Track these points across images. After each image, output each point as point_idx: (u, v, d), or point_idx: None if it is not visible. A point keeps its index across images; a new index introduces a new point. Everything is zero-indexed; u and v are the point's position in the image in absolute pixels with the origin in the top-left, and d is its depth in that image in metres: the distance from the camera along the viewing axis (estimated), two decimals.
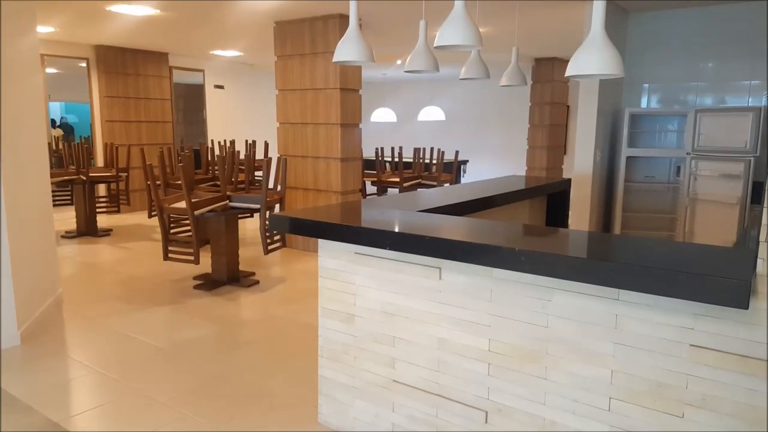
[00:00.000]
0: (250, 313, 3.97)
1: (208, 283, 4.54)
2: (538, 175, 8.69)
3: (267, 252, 4.37)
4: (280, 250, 5.28)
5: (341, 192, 5.43)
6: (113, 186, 6.59)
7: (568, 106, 9.24)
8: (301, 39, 5.39)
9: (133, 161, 7.54)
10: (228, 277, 4.57)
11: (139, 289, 4.45)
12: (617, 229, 4.77)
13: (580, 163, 4.80)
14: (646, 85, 5.07)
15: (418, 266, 2.01)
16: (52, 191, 6.61)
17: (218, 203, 4.23)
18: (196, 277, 4.72)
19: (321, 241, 2.27)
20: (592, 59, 1.68)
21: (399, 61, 8.20)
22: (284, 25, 5.50)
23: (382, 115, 9.68)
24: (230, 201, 4.33)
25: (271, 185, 4.54)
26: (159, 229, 6.47)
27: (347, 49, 2.38)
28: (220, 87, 9.29)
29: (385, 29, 5.85)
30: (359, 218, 2.28)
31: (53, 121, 7.63)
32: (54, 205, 6.62)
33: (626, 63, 5.08)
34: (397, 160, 6.35)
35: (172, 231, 4.90)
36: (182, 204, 4.18)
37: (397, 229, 1.96)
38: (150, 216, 5.85)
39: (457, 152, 6.30)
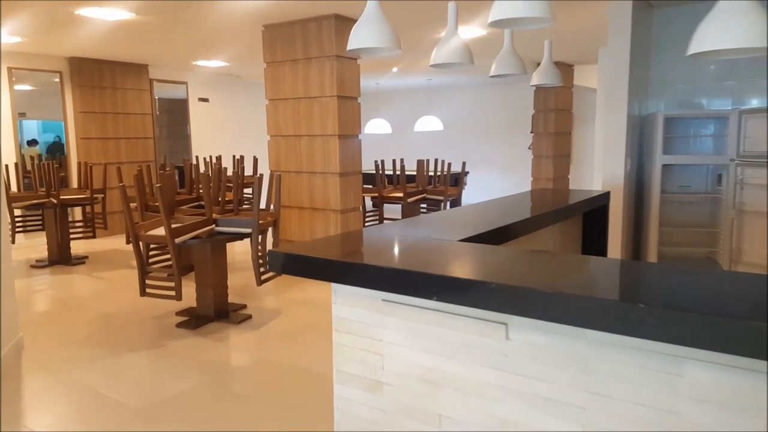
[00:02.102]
0: (242, 357, 3.40)
1: (193, 320, 3.96)
2: (544, 186, 8.23)
3: (260, 283, 3.81)
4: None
5: (341, 210, 4.89)
6: (88, 209, 6.00)
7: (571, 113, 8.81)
8: (293, 43, 4.88)
9: (110, 181, 6.96)
10: (215, 311, 4.01)
11: (113, 329, 3.86)
12: (653, 246, 4.28)
13: (609, 174, 4.32)
14: (677, 86, 4.61)
15: (474, 320, 1.48)
16: (22, 216, 6.02)
17: (203, 228, 3.68)
18: (179, 313, 4.14)
19: (335, 284, 1.74)
20: (733, 28, 1.18)
21: (395, 69, 7.72)
22: (274, 28, 4.99)
23: (376, 127, 9.19)
24: (217, 225, 3.78)
25: (262, 205, 4.00)
26: None
27: (367, 34, 1.87)
28: (205, 100, 8.75)
29: None
30: (386, 253, 1.75)
31: (34, 141, 7.04)
32: (24, 231, 6.03)
33: (651, 62, 4.63)
34: (399, 173, 5.84)
35: (152, 258, 4.34)
36: (161, 231, 3.62)
37: (446, 272, 1.43)
38: (128, 242, 5.28)
39: (464, 164, 5.81)
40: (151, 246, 4.24)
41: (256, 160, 7.54)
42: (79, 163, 6.21)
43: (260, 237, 3.80)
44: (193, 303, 4.13)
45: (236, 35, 5.58)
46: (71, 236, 5.89)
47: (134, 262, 5.86)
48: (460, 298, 1.39)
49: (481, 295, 1.35)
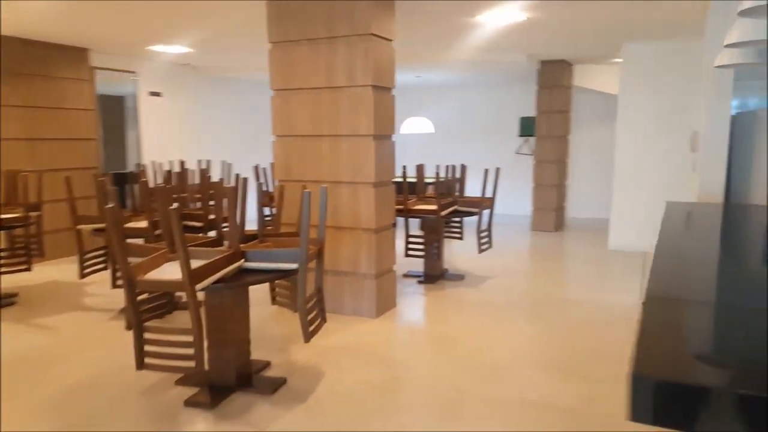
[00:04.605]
0: None
1: (206, 393, 2.82)
2: (547, 193, 7.57)
3: (309, 338, 2.74)
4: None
5: (374, 229, 3.88)
6: (18, 231, 4.57)
7: None
8: (312, 17, 3.82)
9: (46, 193, 5.50)
10: (237, 378, 2.88)
11: (91, 416, 2.63)
12: None
13: (708, 183, 3.62)
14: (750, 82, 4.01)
15: None
16: None
17: (230, 266, 2.56)
18: (180, 381, 2.96)
19: None
20: None
21: None
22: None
23: None
24: (246, 260, 2.67)
25: (244, 223, 2.93)
26: (91, 289, 4.60)
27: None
28: (157, 94, 7.37)
29: (416, 17, 4.41)
30: None
31: None
32: None
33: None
34: (428, 181, 4.90)
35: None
36: (167, 271, 2.47)
37: None
38: (82, 276, 3.99)
39: (498, 170, 4.94)
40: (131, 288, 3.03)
41: (228, 167, 6.34)
42: (4, 172, 4.76)
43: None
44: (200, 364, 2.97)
45: (216, 6, 4.40)
46: None
47: (87, 300, 4.53)
48: None
49: None
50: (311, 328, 2.80)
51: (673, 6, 4.24)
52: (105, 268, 4.19)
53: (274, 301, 3.37)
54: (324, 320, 3.01)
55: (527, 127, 8.85)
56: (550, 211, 7.58)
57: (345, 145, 3.86)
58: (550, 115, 7.41)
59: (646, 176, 6.13)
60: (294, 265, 2.65)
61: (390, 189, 4.05)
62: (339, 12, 3.72)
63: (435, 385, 2.95)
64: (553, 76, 7.30)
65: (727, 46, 1.66)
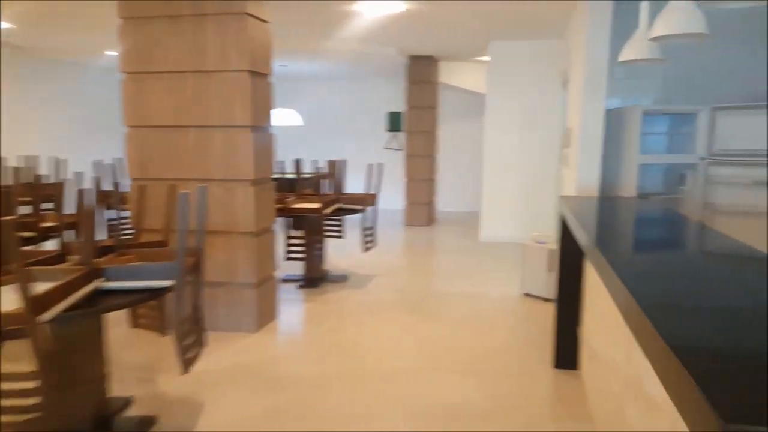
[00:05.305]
0: None
1: None
2: (419, 188, 7.64)
3: (188, 367, 2.31)
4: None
5: (254, 232, 3.48)
6: None
7: None
8: None
9: None
10: (93, 422, 2.34)
11: None
12: None
13: (584, 177, 3.78)
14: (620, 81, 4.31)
15: None
16: None
17: (84, 289, 2.03)
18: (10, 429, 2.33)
19: None
20: None
21: None
22: None
23: None
24: (106, 278, 2.15)
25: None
26: None
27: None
28: None
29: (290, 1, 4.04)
30: None
31: None
32: None
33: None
34: (309, 175, 4.56)
35: None
36: (1, 300, 1.89)
37: None
38: None
39: (381, 165, 4.77)
40: None
41: (63, 163, 5.41)
42: None
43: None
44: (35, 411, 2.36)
45: None
46: None
47: None
48: None
49: None
50: (188, 355, 2.37)
51: (544, 5, 4.40)
52: None
53: (135, 323, 2.84)
54: (203, 344, 2.58)
55: (395, 122, 8.89)
56: (423, 206, 7.67)
57: (217, 138, 3.40)
58: (419, 111, 7.47)
59: (514, 171, 6.42)
60: (167, 282, 2.20)
61: (270, 186, 3.66)
62: None
63: (341, 403, 2.68)
64: (422, 72, 7.36)
65: (653, 39, 1.62)
